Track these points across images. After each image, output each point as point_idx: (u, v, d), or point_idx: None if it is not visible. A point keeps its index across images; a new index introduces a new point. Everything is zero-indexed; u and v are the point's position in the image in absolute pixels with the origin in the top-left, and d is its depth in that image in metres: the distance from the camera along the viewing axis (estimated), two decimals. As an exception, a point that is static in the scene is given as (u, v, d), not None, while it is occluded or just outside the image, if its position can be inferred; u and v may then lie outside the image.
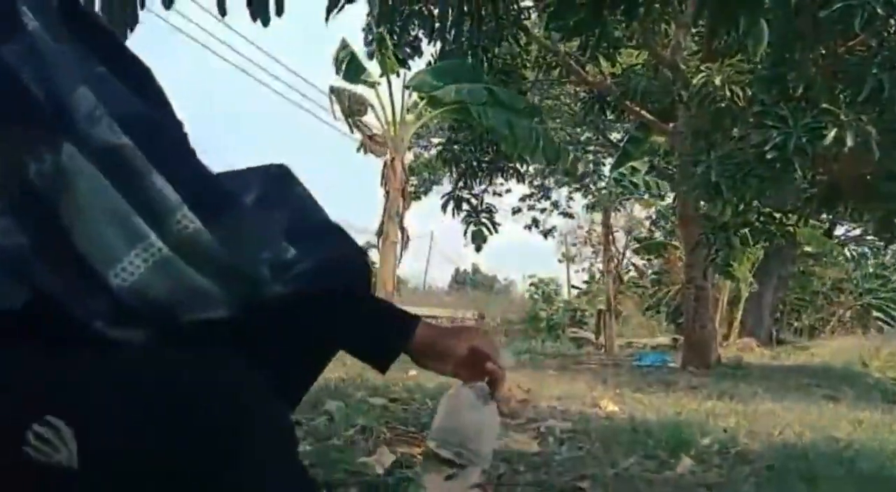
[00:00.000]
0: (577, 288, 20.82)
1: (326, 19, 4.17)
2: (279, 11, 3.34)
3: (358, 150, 10.96)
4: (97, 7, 3.01)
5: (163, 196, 0.66)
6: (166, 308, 0.68)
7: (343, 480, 1.88)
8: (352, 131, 10.78)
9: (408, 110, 11.20)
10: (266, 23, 3.21)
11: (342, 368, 4.04)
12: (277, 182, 0.81)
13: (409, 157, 12.87)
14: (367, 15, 7.20)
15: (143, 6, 3.02)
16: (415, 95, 10.84)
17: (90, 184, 0.63)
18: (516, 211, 17.95)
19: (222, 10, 3.16)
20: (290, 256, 0.75)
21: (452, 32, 5.09)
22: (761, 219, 7.47)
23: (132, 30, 3.01)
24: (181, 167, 0.68)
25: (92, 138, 0.64)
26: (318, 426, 2.51)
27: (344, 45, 10.51)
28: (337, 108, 10.60)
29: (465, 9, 4.54)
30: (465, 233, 11.25)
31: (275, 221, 0.75)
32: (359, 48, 10.31)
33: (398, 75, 10.36)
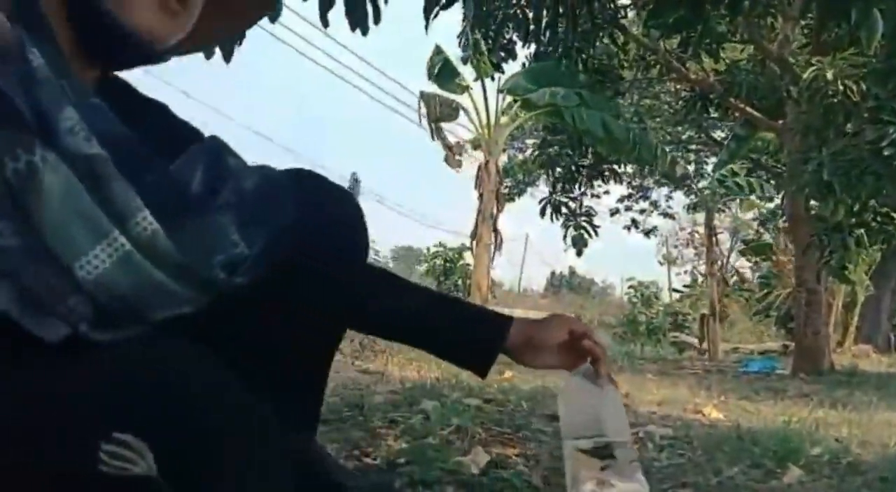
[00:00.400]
0: (678, 291, 20.25)
1: (426, 27, 4.24)
2: (377, 20, 3.42)
3: (445, 159, 11.05)
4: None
5: (126, 199, 0.72)
6: (133, 304, 0.73)
7: (439, 478, 1.91)
8: (433, 138, 10.87)
9: (502, 113, 11.21)
10: (365, 32, 3.29)
11: (437, 369, 4.10)
12: (216, 157, 0.84)
13: (502, 159, 12.86)
14: (462, 20, 7.24)
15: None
16: (508, 98, 10.83)
17: (60, 181, 0.69)
18: (614, 212, 17.65)
19: (325, 22, 3.27)
20: (239, 251, 0.79)
21: (547, 34, 5.07)
22: (878, 219, 7.08)
23: (240, 44, 3.15)
24: (148, 178, 0.75)
25: (69, 147, 0.71)
26: (415, 425, 2.55)
27: (438, 51, 10.62)
28: (425, 113, 10.73)
29: (560, 10, 4.51)
30: (565, 238, 11.15)
31: (225, 220, 0.79)
32: (452, 53, 10.40)
33: (493, 79, 10.38)
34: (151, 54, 0.84)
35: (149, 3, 0.81)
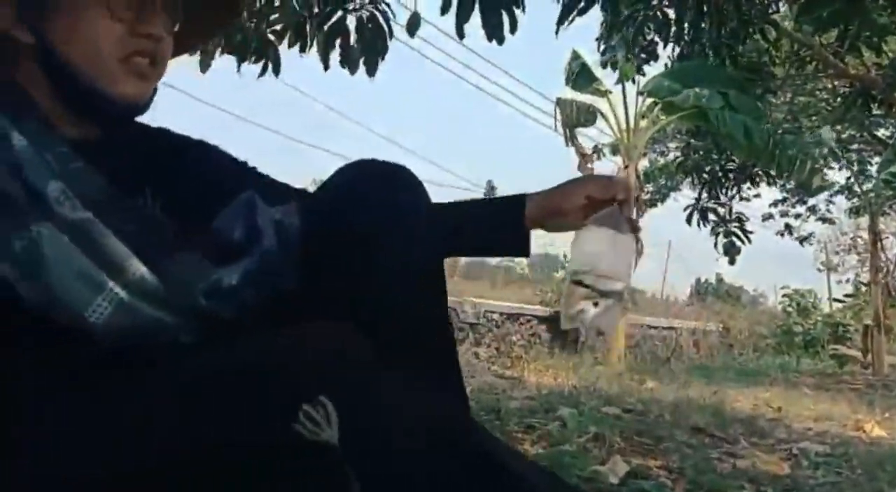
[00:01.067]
0: (839, 301, 18.86)
1: (557, 32, 4.23)
2: (513, 29, 3.45)
3: (578, 167, 10.87)
4: (352, 40, 3.32)
5: (115, 252, 0.85)
6: (139, 336, 0.86)
7: (576, 485, 1.90)
8: (567, 145, 10.70)
9: (642, 116, 10.93)
10: (501, 41, 3.33)
11: (574, 376, 4.06)
12: (251, 210, 0.98)
13: (643, 163, 12.50)
14: (601, 24, 7.14)
15: (391, 37, 3.28)
16: (649, 101, 10.55)
17: (58, 249, 0.83)
18: (767, 217, 16.68)
19: (460, 33, 3.34)
20: (219, 277, 0.90)
21: (690, 34, 4.90)
22: None
23: (383, 58, 3.28)
24: (131, 225, 0.88)
25: (59, 215, 0.84)
26: (551, 431, 2.55)
27: (575, 56, 10.50)
28: (560, 119, 10.60)
29: (704, 8, 4.36)
30: (715, 245, 10.64)
31: (207, 251, 0.92)
32: (589, 58, 10.25)
33: (633, 82, 10.15)
34: (135, 112, 0.96)
35: (123, 73, 0.91)
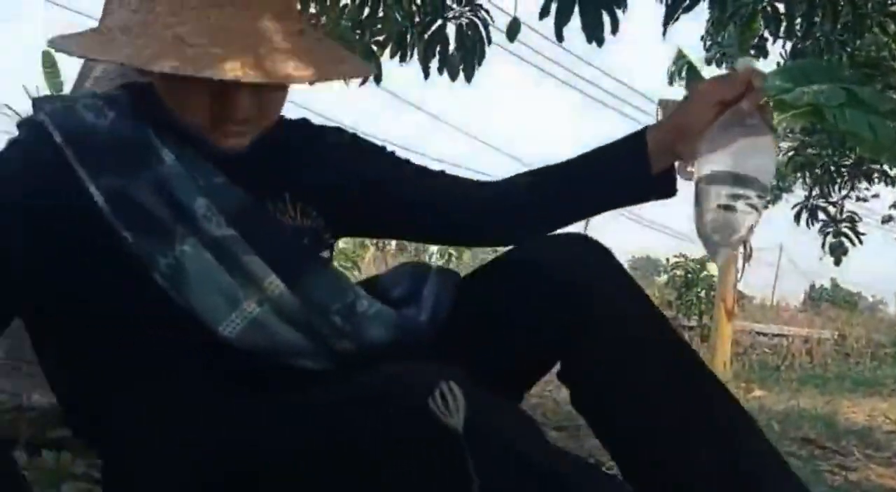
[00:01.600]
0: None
1: (664, 33, 4.15)
2: (614, 30, 3.42)
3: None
4: (451, 48, 3.39)
5: (256, 269, 0.89)
6: (268, 355, 0.90)
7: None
8: None
9: (752, 116, 10.56)
10: (601, 43, 3.32)
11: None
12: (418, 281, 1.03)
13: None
14: (706, 21, 6.95)
15: (489, 43, 3.32)
16: (759, 100, 10.13)
17: (200, 267, 0.87)
18: (886, 220, 15.73)
19: (559, 36, 3.34)
20: (353, 301, 0.94)
21: (802, 29, 4.71)
22: None
23: (479, 64, 3.32)
24: (272, 243, 0.91)
25: (205, 232, 0.88)
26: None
27: (680, 55, 10.24)
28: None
29: (817, 2, 4.19)
30: (823, 245, 10.16)
31: (345, 277, 0.98)
32: (695, 57, 9.97)
33: (741, 80, 9.77)
34: (239, 156, 0.93)
35: (209, 129, 0.88)
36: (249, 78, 0.79)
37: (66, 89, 2.92)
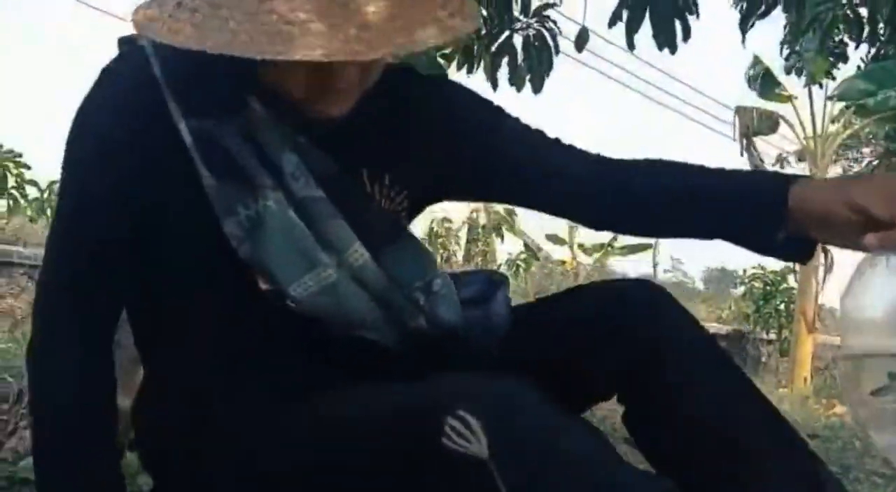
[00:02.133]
0: None
1: (743, 40, 4.07)
2: (686, 37, 3.37)
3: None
4: (519, 59, 3.39)
5: (341, 235, 0.86)
6: (332, 322, 0.88)
7: None
8: (741, 154, 10.11)
9: (831, 122, 10.18)
10: (673, 50, 3.27)
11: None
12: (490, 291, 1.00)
13: (835, 170, 11.62)
14: (784, 27, 6.76)
15: (557, 53, 3.32)
16: (839, 105, 9.80)
17: (281, 223, 0.84)
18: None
19: (631, 44, 3.31)
20: (431, 279, 0.92)
21: (886, 33, 4.54)
22: None
23: (547, 75, 3.32)
24: (359, 210, 0.88)
25: (292, 190, 0.85)
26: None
27: (756, 62, 9.99)
28: (738, 128, 10.08)
29: (901, 4, 4.04)
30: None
31: (429, 254, 0.96)
32: (771, 63, 9.69)
33: (821, 86, 9.48)
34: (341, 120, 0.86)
35: (308, 97, 0.82)
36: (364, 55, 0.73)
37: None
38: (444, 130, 0.96)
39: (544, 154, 0.97)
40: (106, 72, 0.87)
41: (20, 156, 6.07)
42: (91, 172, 0.86)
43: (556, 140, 0.99)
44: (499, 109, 1.00)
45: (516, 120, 0.99)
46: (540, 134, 0.99)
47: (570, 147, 0.98)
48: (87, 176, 0.86)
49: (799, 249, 0.90)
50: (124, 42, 0.91)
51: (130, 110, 0.84)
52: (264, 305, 0.86)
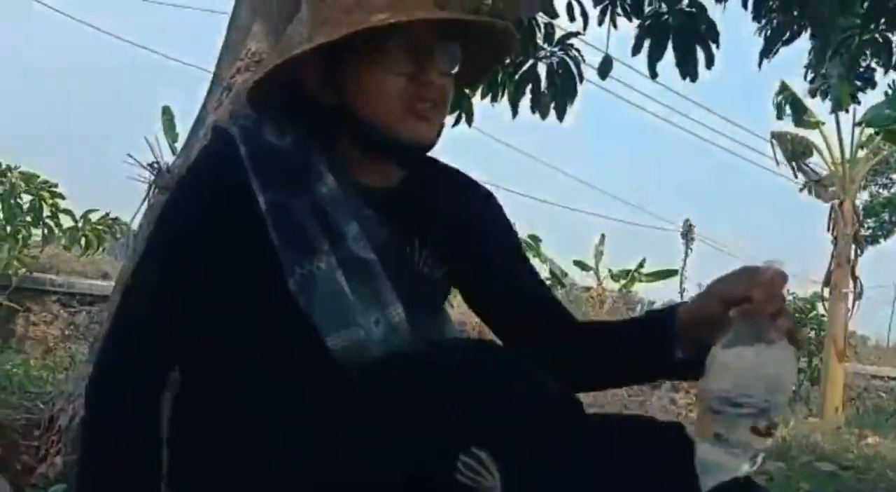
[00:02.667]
0: None
1: (759, 65, 4.07)
2: (709, 64, 3.38)
3: (801, 190, 10.14)
4: (543, 85, 3.42)
5: (386, 294, 0.99)
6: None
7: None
8: (795, 176, 10.05)
9: (860, 147, 10.07)
10: (694, 78, 3.29)
11: (783, 428, 3.78)
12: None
13: (864, 197, 11.48)
14: (808, 52, 6.74)
15: (581, 81, 3.34)
16: (868, 131, 9.71)
17: (328, 286, 0.97)
18: None
19: (653, 74, 3.33)
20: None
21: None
22: None
23: (571, 103, 3.35)
24: (404, 277, 1.01)
25: (353, 252, 0.99)
26: (756, 485, 2.41)
27: (783, 88, 9.95)
28: (780, 153, 10.01)
29: (929, 29, 4.03)
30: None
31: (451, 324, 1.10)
32: (798, 89, 9.64)
33: (847, 112, 9.41)
34: (423, 150, 1.05)
35: (409, 118, 1.01)
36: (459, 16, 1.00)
37: (181, 140, 3.10)
38: (474, 224, 1.13)
39: (519, 285, 1.15)
40: (200, 158, 1.07)
41: (56, 186, 6.20)
42: (174, 253, 1.02)
43: (540, 282, 1.18)
44: (515, 231, 1.21)
45: (521, 247, 1.22)
46: (530, 268, 1.18)
47: (541, 283, 1.19)
48: (171, 255, 1.02)
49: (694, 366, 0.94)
50: (217, 131, 1.09)
51: (216, 190, 1.00)
52: (311, 352, 0.96)
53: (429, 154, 1.08)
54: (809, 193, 10.04)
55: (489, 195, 1.19)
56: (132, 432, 0.96)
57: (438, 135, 1.04)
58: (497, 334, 1.19)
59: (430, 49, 1.00)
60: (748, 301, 0.87)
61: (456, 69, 1.04)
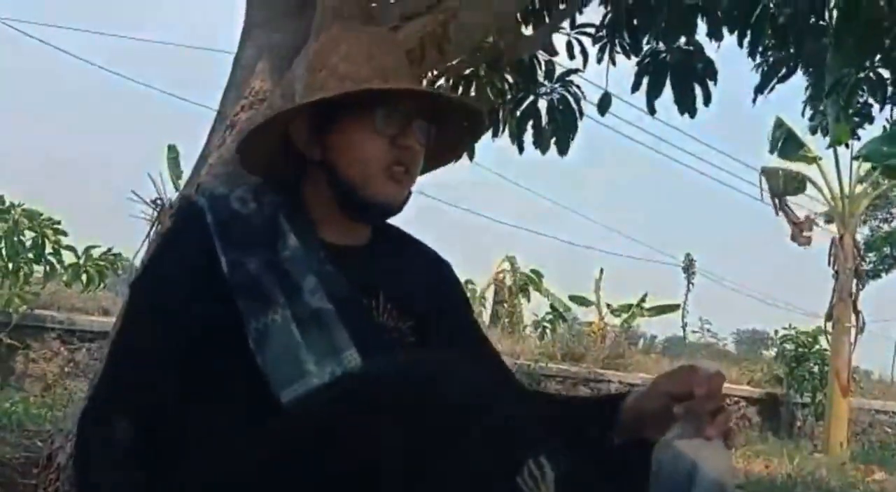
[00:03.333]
0: None
1: (754, 101, 4.12)
2: (707, 101, 3.42)
3: (791, 239, 10.12)
4: (544, 121, 3.46)
5: (341, 341, 1.03)
6: None
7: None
8: (776, 214, 10.06)
9: (858, 182, 10.13)
10: (693, 115, 3.32)
11: (788, 464, 3.74)
12: None
13: (864, 231, 11.49)
14: (805, 88, 6.81)
15: (581, 117, 3.39)
16: (866, 166, 9.77)
17: (282, 338, 1.02)
18: None
19: (651, 110, 3.37)
20: None
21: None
22: None
23: (573, 138, 3.38)
24: (361, 326, 1.06)
25: (309, 305, 1.04)
26: (762, 523, 2.38)
27: (779, 124, 10.04)
28: (766, 189, 10.04)
29: (924, 66, 4.08)
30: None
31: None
32: (795, 124, 9.73)
33: (846, 147, 9.47)
34: (391, 212, 1.14)
35: (384, 179, 1.10)
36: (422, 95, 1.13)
37: (185, 176, 3.13)
38: (437, 289, 1.21)
39: (473, 352, 1.18)
40: (169, 230, 1.19)
41: (58, 223, 6.21)
42: (146, 322, 1.08)
43: (492, 351, 1.23)
44: (467, 298, 1.31)
45: (473, 312, 1.29)
46: (482, 336, 1.25)
47: (493, 353, 1.23)
48: (144, 325, 1.09)
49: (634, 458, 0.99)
50: (184, 202, 1.24)
51: (183, 255, 1.09)
52: (266, 409, 0.99)
53: (392, 221, 1.18)
54: (795, 240, 10.00)
55: (447, 264, 1.27)
56: (117, 478, 1.00)
57: (406, 200, 1.13)
58: None
59: (409, 119, 1.11)
60: (691, 398, 0.93)
61: (425, 146, 1.14)
